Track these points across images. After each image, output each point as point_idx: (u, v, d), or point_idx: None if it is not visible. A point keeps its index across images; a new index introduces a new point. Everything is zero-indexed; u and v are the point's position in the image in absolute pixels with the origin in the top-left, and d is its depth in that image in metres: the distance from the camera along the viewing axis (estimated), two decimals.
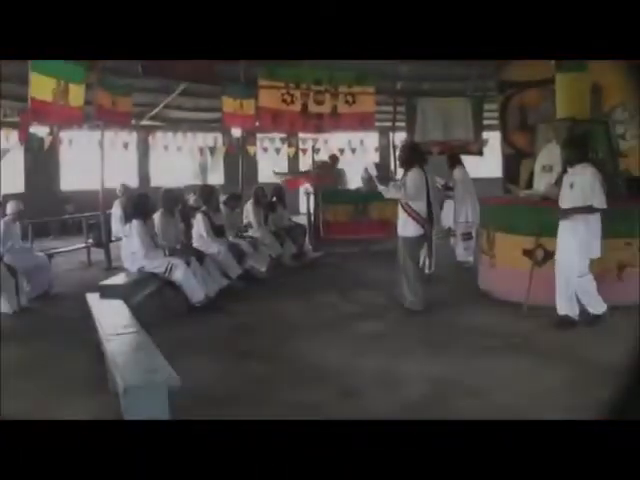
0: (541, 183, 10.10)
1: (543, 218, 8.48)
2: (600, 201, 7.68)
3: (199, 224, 10.81)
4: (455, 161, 12.95)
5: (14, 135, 13.90)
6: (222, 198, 12.13)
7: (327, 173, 16.44)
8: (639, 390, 2.98)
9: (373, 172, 9.08)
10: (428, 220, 8.86)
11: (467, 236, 12.54)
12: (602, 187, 7.73)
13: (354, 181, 16.20)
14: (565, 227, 7.96)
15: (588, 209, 7.75)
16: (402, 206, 8.96)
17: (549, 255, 8.43)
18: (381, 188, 9.07)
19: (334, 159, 17.38)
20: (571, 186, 7.92)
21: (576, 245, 7.81)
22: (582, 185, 7.79)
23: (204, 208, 11.11)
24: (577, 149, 8.17)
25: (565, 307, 7.97)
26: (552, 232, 8.23)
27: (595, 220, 7.83)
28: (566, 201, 8.00)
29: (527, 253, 8.70)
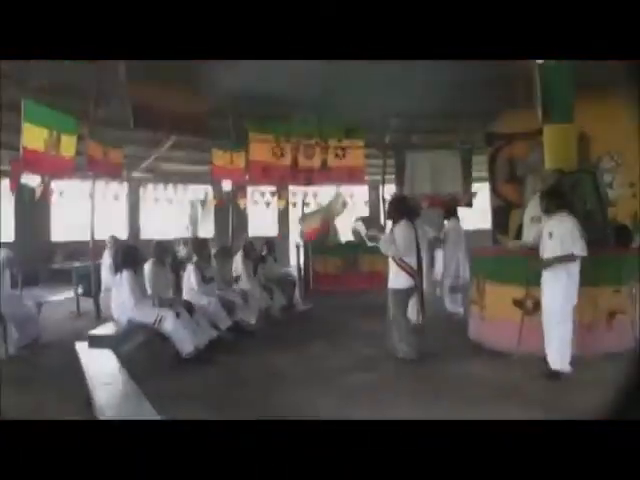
0: (530, 234, 10.13)
1: (532, 268, 8.50)
2: (580, 248, 7.79)
3: (190, 276, 10.80)
4: (450, 213, 12.99)
5: (5, 184, 13.91)
6: (212, 251, 12.15)
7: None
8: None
9: (362, 230, 9.11)
10: (418, 272, 8.89)
11: (455, 289, 12.52)
12: (581, 234, 7.83)
13: (345, 234, 16.19)
14: (548, 277, 8.07)
15: (569, 257, 7.84)
16: (393, 259, 8.99)
17: (539, 304, 8.44)
18: (372, 244, 9.15)
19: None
20: (550, 235, 8.03)
21: (559, 293, 7.90)
22: (561, 234, 7.90)
23: (195, 260, 11.11)
24: (555, 198, 8.28)
25: (555, 359, 7.92)
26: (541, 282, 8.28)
27: (575, 267, 7.92)
28: (546, 250, 8.11)
29: (517, 303, 8.71)
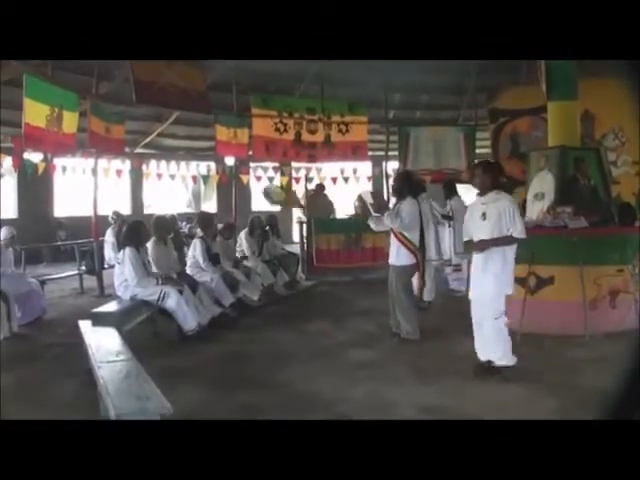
0: (534, 211, 10.13)
1: (535, 246, 8.49)
2: (520, 231, 6.99)
3: (196, 249, 10.81)
4: (451, 191, 12.85)
5: (8, 161, 13.90)
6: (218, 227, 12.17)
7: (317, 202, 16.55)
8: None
9: (369, 200, 9.00)
10: (420, 249, 8.86)
11: (458, 267, 12.49)
12: (520, 215, 7.15)
13: (347, 210, 16.18)
14: (479, 261, 7.29)
15: (507, 239, 7.04)
16: (395, 235, 8.90)
17: (542, 283, 8.44)
18: (373, 219, 9.04)
19: (321, 188, 17.36)
20: (483, 216, 7.17)
21: (491, 281, 7.13)
22: (498, 214, 7.04)
23: (202, 234, 11.12)
24: (488, 176, 7.29)
25: (485, 351, 7.35)
26: (545, 260, 8.26)
27: (511, 252, 7.13)
28: (479, 232, 7.24)
29: (520, 281, 8.70)
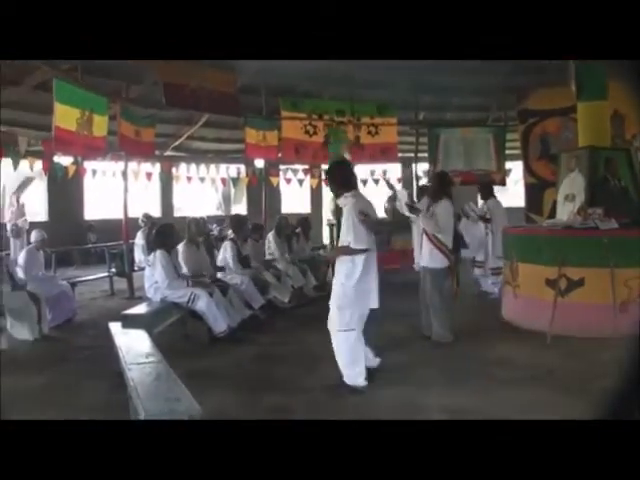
0: (564, 212, 10.05)
1: (566, 247, 8.41)
2: (355, 240, 6.50)
3: (227, 251, 10.88)
4: (488, 193, 12.75)
5: (38, 164, 14.00)
6: None
7: None
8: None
9: (405, 199, 8.89)
10: (453, 251, 8.79)
11: (498, 270, 12.34)
12: (358, 222, 6.51)
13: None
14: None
15: (346, 250, 6.64)
16: (428, 237, 8.79)
17: (572, 285, 8.36)
18: (411, 216, 9.02)
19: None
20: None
21: (334, 292, 6.83)
22: (345, 218, 6.64)
23: (233, 236, 11.16)
24: (334, 177, 6.98)
25: (345, 373, 6.94)
26: (575, 262, 8.18)
27: (360, 264, 6.68)
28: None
29: (550, 283, 8.64)
